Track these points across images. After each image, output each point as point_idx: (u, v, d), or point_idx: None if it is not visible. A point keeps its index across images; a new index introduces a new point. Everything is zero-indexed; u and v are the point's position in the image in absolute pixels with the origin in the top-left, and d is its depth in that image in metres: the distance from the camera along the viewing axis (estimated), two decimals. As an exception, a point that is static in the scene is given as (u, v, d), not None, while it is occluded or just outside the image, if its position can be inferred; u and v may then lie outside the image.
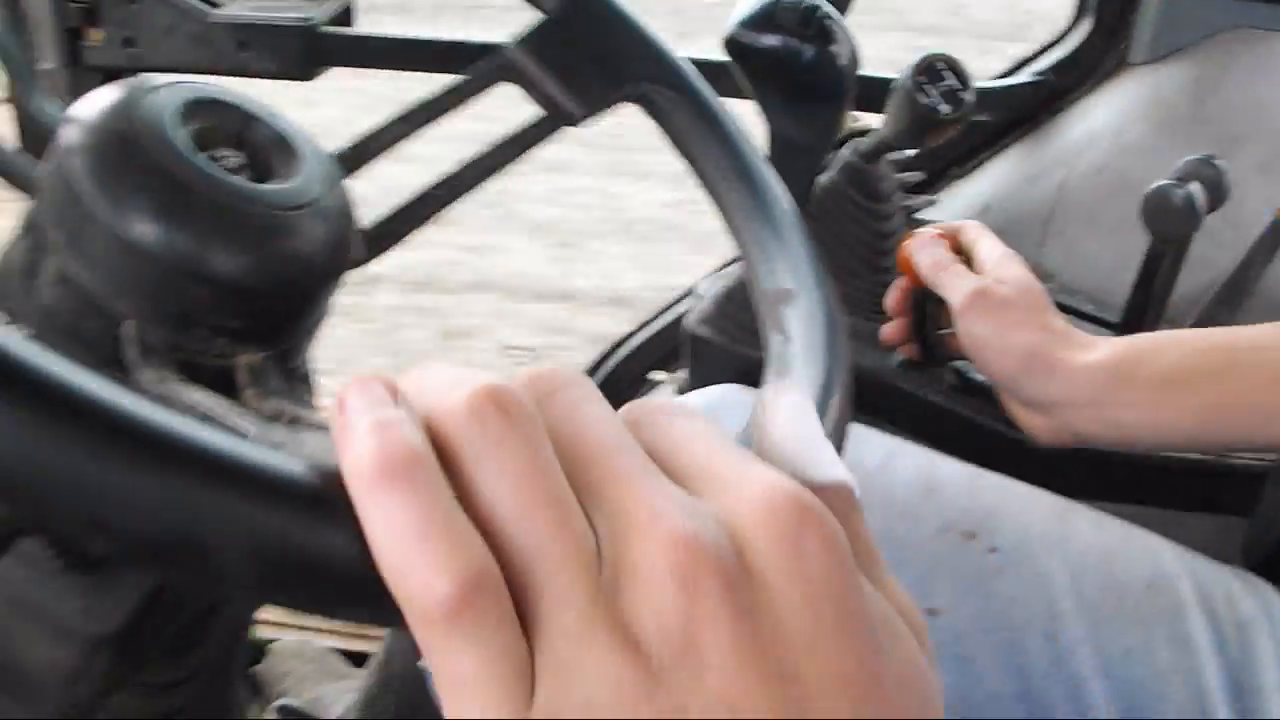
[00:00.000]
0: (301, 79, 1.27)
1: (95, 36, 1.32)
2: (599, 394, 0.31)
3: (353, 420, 0.28)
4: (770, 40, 0.83)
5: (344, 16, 1.34)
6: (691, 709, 0.25)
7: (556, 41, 0.60)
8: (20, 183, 0.58)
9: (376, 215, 0.57)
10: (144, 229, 0.47)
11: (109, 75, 1.37)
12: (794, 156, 0.86)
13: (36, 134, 1.34)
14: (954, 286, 0.80)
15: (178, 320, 0.48)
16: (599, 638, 0.26)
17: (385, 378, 0.29)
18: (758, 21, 0.84)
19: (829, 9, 0.84)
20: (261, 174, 0.51)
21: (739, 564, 0.27)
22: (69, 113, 0.49)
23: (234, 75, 1.26)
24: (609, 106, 0.60)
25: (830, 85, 0.86)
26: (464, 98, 0.59)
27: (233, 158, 0.51)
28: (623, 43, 0.60)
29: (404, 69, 1.28)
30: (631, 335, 1.36)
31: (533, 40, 0.60)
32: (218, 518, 0.26)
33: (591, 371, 1.36)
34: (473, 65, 0.60)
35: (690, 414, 0.32)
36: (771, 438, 0.32)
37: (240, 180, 0.49)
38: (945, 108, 0.85)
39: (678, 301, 1.34)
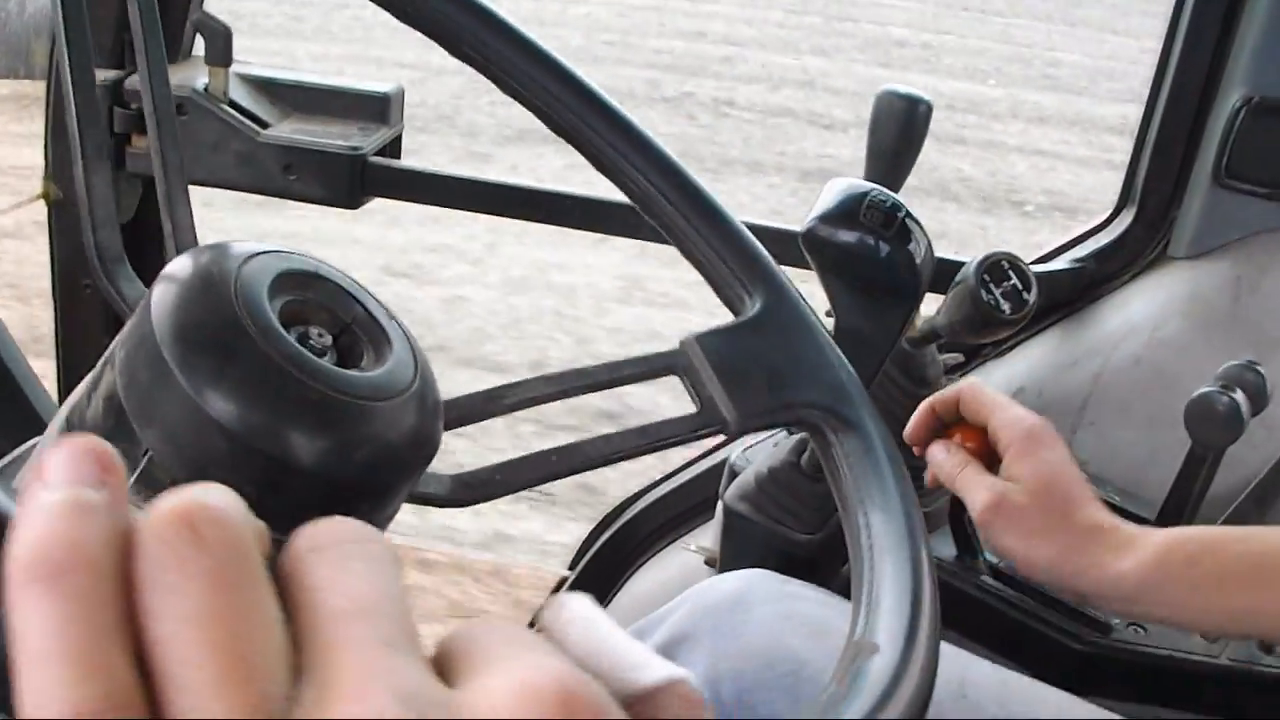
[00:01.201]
0: (346, 207, 1.27)
1: (140, 144, 1.32)
2: (387, 555, 0.26)
3: (41, 495, 0.23)
4: (848, 236, 0.84)
5: (393, 146, 1.34)
6: None
7: (737, 345, 0.58)
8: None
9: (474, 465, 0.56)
10: (224, 405, 0.45)
11: (150, 183, 1.37)
12: (860, 349, 0.83)
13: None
14: (971, 495, 0.78)
15: (247, 501, 0.46)
16: None
17: (104, 447, 0.25)
18: (839, 217, 0.84)
19: (909, 208, 0.85)
20: (349, 356, 0.50)
21: None
22: (166, 270, 0.48)
23: (278, 197, 1.26)
24: (769, 426, 0.58)
25: (905, 284, 0.85)
26: (627, 380, 0.57)
27: (321, 336, 0.49)
28: (803, 363, 0.58)
29: (449, 206, 1.28)
30: (654, 486, 1.33)
31: (713, 340, 0.57)
32: None
33: (610, 520, 1.34)
34: (644, 358, 0.57)
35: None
36: (573, 654, 0.28)
37: (328, 365, 0.47)
38: (1007, 307, 0.85)
39: (706, 456, 1.32)
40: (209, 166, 1.29)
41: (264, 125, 1.31)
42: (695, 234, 0.62)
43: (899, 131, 0.94)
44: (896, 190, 0.90)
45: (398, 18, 0.64)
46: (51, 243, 1.38)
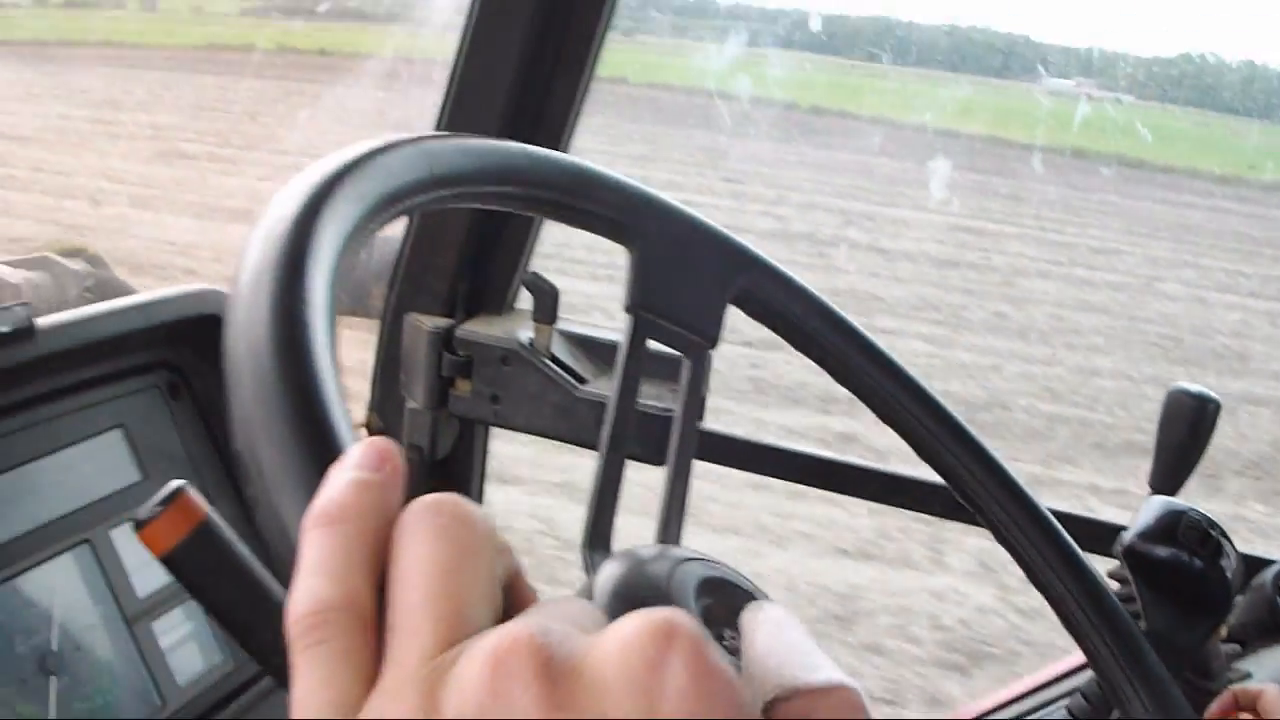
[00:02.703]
0: (657, 465, 1.28)
1: (464, 388, 1.39)
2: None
3: (338, 472, 0.34)
4: (1164, 552, 0.87)
5: (700, 409, 1.37)
6: None
7: None
8: None
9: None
10: None
11: (468, 424, 1.44)
12: (1167, 652, 0.84)
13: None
14: None
15: None
16: (406, 698, 0.28)
17: (390, 447, 0.34)
18: (1157, 534, 0.88)
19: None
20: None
21: (569, 664, 0.28)
22: (613, 556, 0.52)
23: (590, 450, 1.29)
24: None
25: (1216, 598, 0.88)
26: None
27: (734, 638, 0.50)
28: None
29: (758, 472, 1.28)
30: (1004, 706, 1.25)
31: None
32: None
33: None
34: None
35: None
36: (757, 649, 0.34)
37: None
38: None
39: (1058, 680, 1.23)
40: (527, 415, 1.33)
41: (582, 380, 1.36)
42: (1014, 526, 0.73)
43: (1188, 429, 0.98)
44: (1181, 486, 0.99)
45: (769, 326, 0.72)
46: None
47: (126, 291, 1.46)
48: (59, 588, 0.86)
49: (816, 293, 0.76)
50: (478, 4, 1.31)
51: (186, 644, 0.93)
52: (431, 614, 0.30)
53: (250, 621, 0.56)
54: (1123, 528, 1.03)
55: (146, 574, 0.91)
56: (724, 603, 0.52)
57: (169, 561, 0.56)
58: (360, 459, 0.34)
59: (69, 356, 0.87)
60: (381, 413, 1.45)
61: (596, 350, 1.42)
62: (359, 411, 1.46)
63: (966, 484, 0.76)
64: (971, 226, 8.82)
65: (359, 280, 1.44)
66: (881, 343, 0.78)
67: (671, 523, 0.66)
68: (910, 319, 6.58)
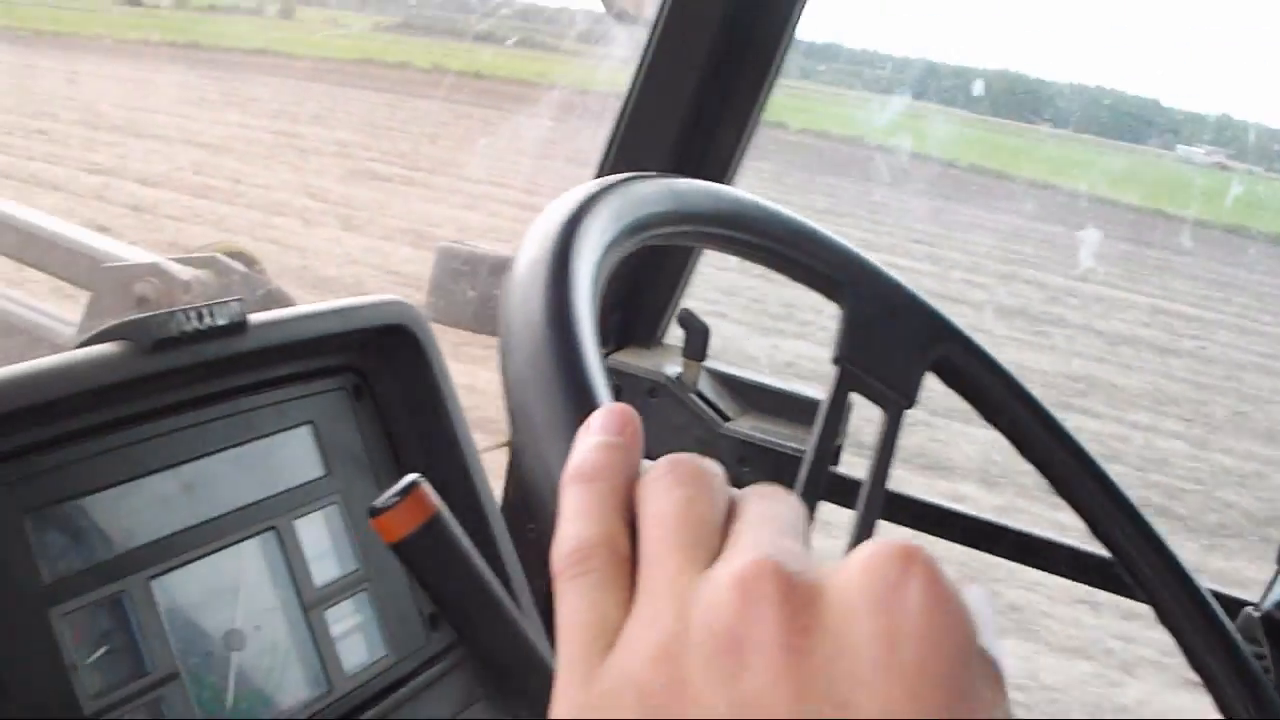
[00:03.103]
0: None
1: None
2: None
3: (584, 434, 0.39)
4: None
5: (834, 455, 1.38)
6: (719, 708, 0.29)
7: None
8: None
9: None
10: None
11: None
12: None
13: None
14: None
15: None
16: (661, 619, 0.32)
17: (629, 412, 0.40)
18: None
19: None
20: None
21: (813, 586, 0.31)
22: None
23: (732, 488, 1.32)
24: None
25: None
26: None
27: None
28: None
29: (907, 526, 1.29)
30: None
31: None
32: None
33: None
34: None
35: None
36: None
37: None
38: None
39: None
40: (669, 447, 1.35)
41: (726, 418, 1.39)
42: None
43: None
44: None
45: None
46: (506, 488, 1.49)
47: (280, 292, 1.51)
48: (245, 570, 0.91)
49: (1005, 367, 0.81)
50: (654, 42, 1.35)
51: (354, 634, 0.97)
52: (676, 545, 0.34)
53: (469, 610, 0.60)
54: (1246, 602, 1.07)
55: (324, 564, 0.96)
56: None
57: (398, 549, 0.60)
58: (606, 424, 0.39)
59: (273, 353, 0.93)
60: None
61: (742, 391, 1.45)
62: (506, 433, 1.50)
63: (1135, 562, 0.79)
64: (1173, 310, 8.69)
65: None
66: (1061, 419, 0.82)
67: None
68: (1158, 414, 6.45)
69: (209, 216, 7.03)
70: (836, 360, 0.72)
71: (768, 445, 1.34)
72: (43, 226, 1.90)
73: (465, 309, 1.46)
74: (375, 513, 0.60)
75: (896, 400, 0.74)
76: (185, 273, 1.70)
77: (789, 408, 1.42)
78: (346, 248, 6.88)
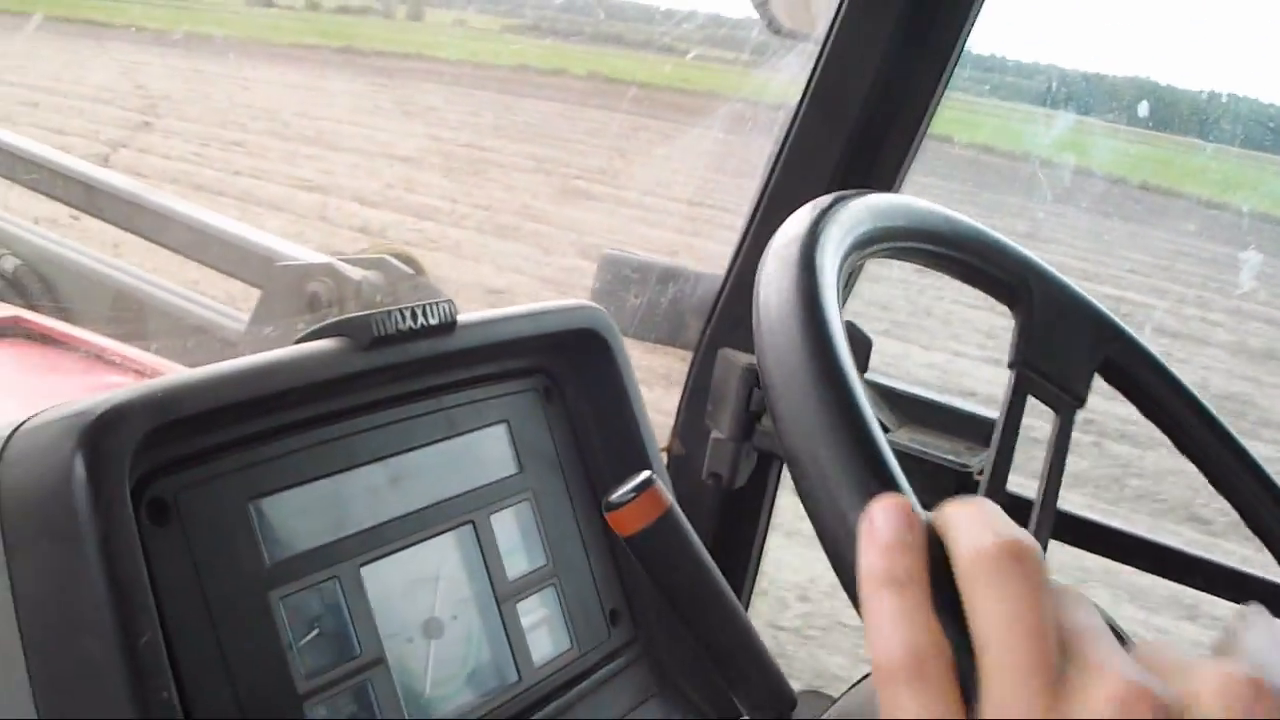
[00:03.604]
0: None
1: (768, 424, 1.44)
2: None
3: (873, 536, 0.39)
4: None
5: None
6: None
7: None
8: None
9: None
10: None
11: (765, 457, 1.49)
12: None
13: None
14: None
15: None
16: None
17: (908, 506, 0.40)
18: None
19: None
20: None
21: (1178, 711, 0.32)
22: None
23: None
24: None
25: None
26: None
27: None
28: None
29: (1061, 540, 1.29)
30: None
31: None
32: None
33: None
34: None
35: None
36: (1249, 647, 0.39)
37: None
38: None
39: None
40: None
41: (886, 430, 1.39)
42: None
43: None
44: None
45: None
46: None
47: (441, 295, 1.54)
48: (444, 561, 0.94)
49: (1169, 366, 0.83)
50: (826, 54, 1.37)
51: (541, 627, 1.00)
52: (1028, 659, 0.35)
53: (696, 603, 0.62)
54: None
55: (517, 558, 0.99)
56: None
57: (632, 542, 0.62)
58: (895, 524, 0.40)
59: (475, 353, 0.96)
60: (685, 439, 1.52)
61: (901, 404, 1.45)
62: (664, 437, 1.53)
63: None
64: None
65: (678, 312, 1.51)
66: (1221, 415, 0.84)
67: None
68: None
69: (444, 242, 6.82)
70: (1012, 365, 0.74)
71: (925, 457, 1.34)
72: (212, 224, 1.97)
73: (630, 317, 1.49)
74: (611, 507, 0.63)
75: (1070, 402, 0.76)
76: (355, 273, 1.76)
77: (945, 420, 1.42)
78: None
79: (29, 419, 0.74)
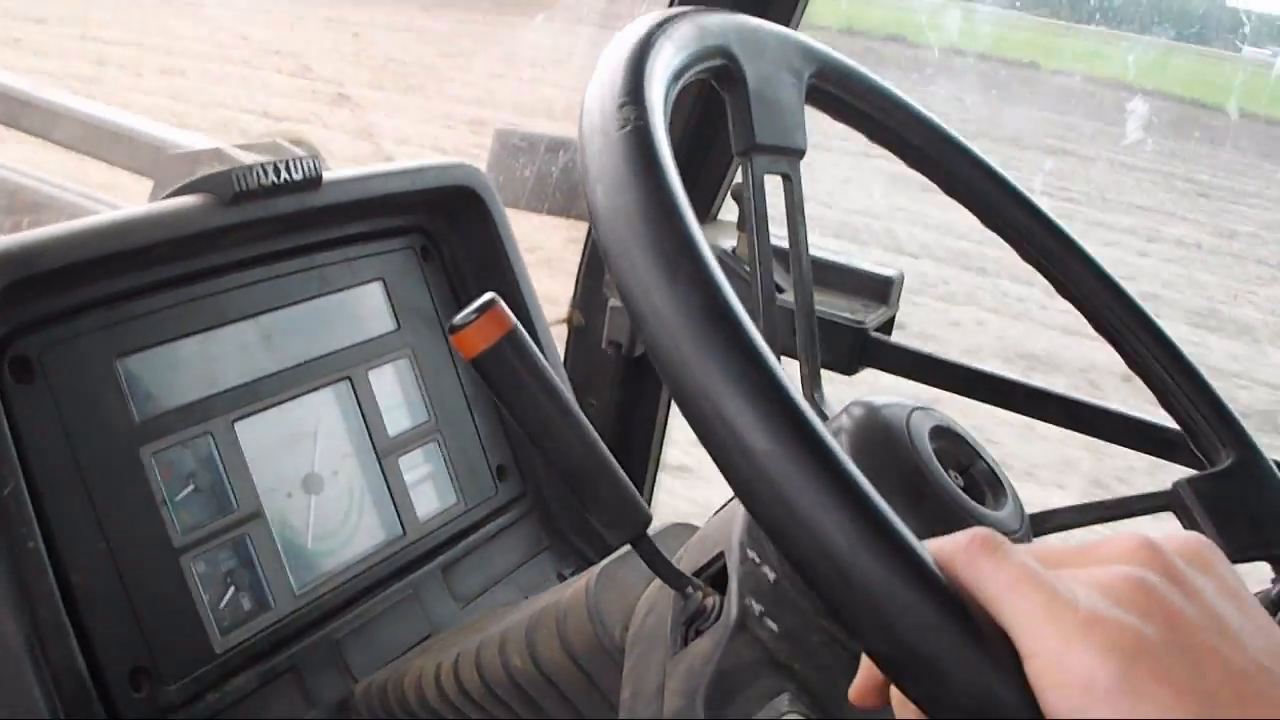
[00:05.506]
0: (844, 373, 1.33)
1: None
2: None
3: (970, 557, 0.42)
4: None
5: (887, 325, 1.40)
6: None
7: (1220, 490, 0.73)
8: None
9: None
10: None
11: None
12: None
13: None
14: None
15: None
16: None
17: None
18: None
19: None
20: (973, 496, 0.58)
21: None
22: (851, 403, 0.60)
23: (787, 356, 1.34)
24: (1252, 560, 0.70)
25: None
26: (1132, 514, 0.75)
27: (956, 479, 0.58)
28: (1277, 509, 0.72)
29: (936, 386, 1.31)
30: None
31: (1200, 484, 0.73)
32: None
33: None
34: (1145, 496, 0.76)
35: None
36: None
37: (969, 500, 0.56)
38: None
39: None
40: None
41: (779, 290, 1.40)
42: (1179, 391, 0.76)
43: None
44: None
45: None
46: (566, 365, 1.53)
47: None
48: (322, 417, 0.95)
49: (877, 78, 0.78)
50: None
51: (426, 483, 1.01)
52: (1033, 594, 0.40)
53: (545, 425, 0.63)
54: None
55: (396, 414, 1.00)
56: (952, 447, 0.59)
57: (478, 364, 0.63)
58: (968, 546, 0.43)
59: (345, 210, 0.96)
60: (584, 310, 1.52)
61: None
62: (563, 308, 1.53)
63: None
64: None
65: (572, 184, 1.50)
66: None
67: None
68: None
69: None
70: (742, 153, 0.69)
71: (821, 316, 1.36)
72: (103, 117, 1.93)
73: (521, 190, 1.48)
74: (454, 329, 0.63)
75: (795, 156, 0.73)
76: (248, 157, 1.73)
77: (841, 280, 1.43)
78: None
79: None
